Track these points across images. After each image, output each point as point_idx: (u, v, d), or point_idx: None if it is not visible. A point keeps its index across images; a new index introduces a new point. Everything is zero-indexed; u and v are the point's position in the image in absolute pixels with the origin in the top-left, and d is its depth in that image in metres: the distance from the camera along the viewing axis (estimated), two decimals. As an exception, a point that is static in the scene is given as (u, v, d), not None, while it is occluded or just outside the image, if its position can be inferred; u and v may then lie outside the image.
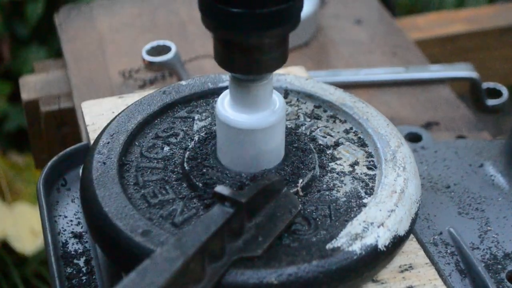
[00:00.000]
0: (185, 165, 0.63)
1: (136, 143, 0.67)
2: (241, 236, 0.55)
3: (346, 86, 0.96)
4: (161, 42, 0.93)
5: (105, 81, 1.01)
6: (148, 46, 0.93)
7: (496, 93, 0.99)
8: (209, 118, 0.70)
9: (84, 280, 0.64)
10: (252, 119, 0.60)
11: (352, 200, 0.62)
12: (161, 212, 0.60)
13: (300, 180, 0.62)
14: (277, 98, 0.62)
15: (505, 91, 0.98)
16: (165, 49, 0.93)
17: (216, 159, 0.63)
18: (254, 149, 0.61)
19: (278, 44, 0.57)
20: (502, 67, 1.21)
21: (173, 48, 0.93)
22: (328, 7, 1.18)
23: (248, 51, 0.56)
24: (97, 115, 0.74)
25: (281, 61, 0.58)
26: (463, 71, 0.99)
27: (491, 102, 0.98)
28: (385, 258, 0.58)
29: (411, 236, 0.63)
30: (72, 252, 0.66)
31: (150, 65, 0.93)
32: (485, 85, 0.99)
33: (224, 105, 0.61)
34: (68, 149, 0.74)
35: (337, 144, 0.67)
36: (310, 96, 0.73)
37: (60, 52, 1.11)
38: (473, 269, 0.64)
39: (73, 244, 0.67)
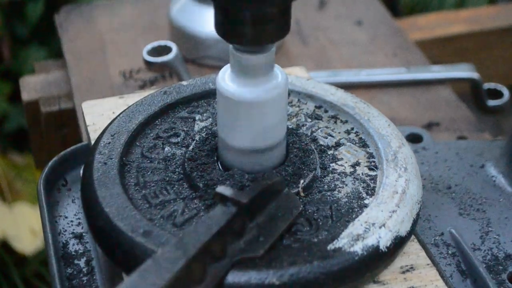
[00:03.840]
0: (186, 165, 0.63)
1: (137, 144, 0.67)
2: (242, 236, 0.55)
3: (347, 87, 0.96)
4: (162, 42, 0.93)
5: (105, 82, 1.01)
6: (149, 47, 0.93)
7: (497, 94, 0.99)
8: (210, 119, 0.70)
9: (85, 281, 0.64)
10: (253, 92, 0.58)
11: (354, 201, 0.62)
12: (162, 213, 0.60)
13: (301, 181, 0.62)
14: (279, 71, 0.60)
15: (506, 92, 0.98)
16: (166, 50, 0.93)
17: (217, 160, 0.63)
18: (256, 123, 0.59)
19: (280, 13, 0.55)
20: (503, 67, 1.21)
21: (174, 49, 0.92)
22: (329, 7, 1.18)
23: (249, 20, 0.54)
24: (98, 115, 0.74)
25: (283, 31, 0.56)
26: (464, 71, 0.99)
27: (492, 102, 0.98)
28: (386, 259, 0.58)
29: (412, 237, 0.63)
30: (73, 253, 0.66)
31: (151, 66, 0.93)
32: (486, 85, 0.99)
33: (225, 78, 0.60)
34: (68, 149, 0.74)
35: (338, 145, 0.67)
36: (311, 97, 0.73)
37: (60, 52, 1.11)
38: (474, 270, 0.64)
39: (73, 244, 0.67)
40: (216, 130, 0.66)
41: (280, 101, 0.60)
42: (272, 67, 0.60)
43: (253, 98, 0.58)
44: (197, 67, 1.03)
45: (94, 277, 0.64)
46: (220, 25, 0.56)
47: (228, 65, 0.60)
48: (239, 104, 0.59)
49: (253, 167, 0.62)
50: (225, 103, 0.60)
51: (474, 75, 0.98)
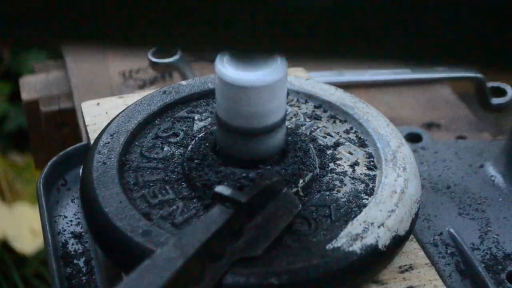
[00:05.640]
0: (185, 165, 0.63)
1: (136, 143, 0.67)
2: (241, 236, 0.55)
3: (350, 86, 0.96)
4: None
5: (105, 81, 1.01)
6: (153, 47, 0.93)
7: (501, 92, 0.99)
8: (209, 118, 0.70)
9: (84, 280, 0.64)
10: (253, 77, 0.57)
11: (352, 201, 0.62)
12: (161, 212, 0.60)
13: (301, 181, 0.62)
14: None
15: (510, 90, 0.98)
16: (169, 50, 0.92)
17: (216, 159, 0.63)
18: (254, 107, 0.59)
19: None
20: (503, 67, 1.20)
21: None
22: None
23: None
24: (97, 115, 0.74)
25: None
26: (468, 70, 0.99)
27: (495, 100, 0.98)
28: (385, 259, 0.58)
29: (411, 236, 0.63)
30: (72, 252, 0.66)
31: (155, 66, 0.92)
32: (490, 84, 0.99)
33: (224, 61, 0.59)
34: (68, 149, 0.74)
35: (337, 145, 0.67)
36: (310, 96, 0.73)
37: (60, 52, 1.11)
38: (473, 270, 0.64)
39: (73, 244, 0.67)
40: (215, 129, 0.66)
41: (279, 84, 0.59)
42: None
43: (251, 82, 0.57)
44: (196, 67, 1.03)
45: (94, 277, 0.64)
46: None
47: None
48: (237, 88, 0.58)
49: (250, 151, 0.61)
50: (223, 87, 0.58)
51: (478, 73, 0.98)
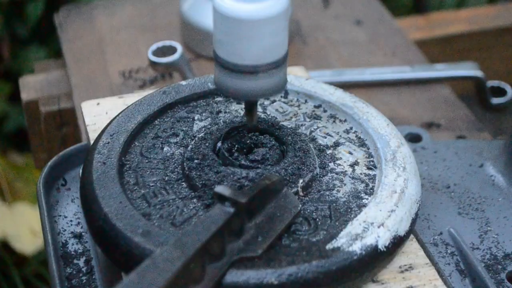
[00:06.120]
0: (185, 165, 0.63)
1: (136, 143, 0.67)
2: (241, 236, 0.55)
3: (351, 86, 0.96)
4: (166, 42, 0.92)
5: (105, 81, 1.01)
6: (154, 47, 0.92)
7: (501, 92, 0.99)
8: (209, 118, 0.70)
9: (84, 280, 0.64)
10: (255, 9, 0.55)
11: (352, 200, 0.62)
12: (161, 212, 0.60)
13: (300, 180, 0.62)
14: None
15: (509, 90, 0.98)
16: (170, 50, 0.92)
17: (215, 159, 0.63)
18: (256, 43, 0.55)
19: None
20: (502, 67, 1.21)
21: (179, 49, 0.92)
22: (328, 7, 1.18)
23: None
24: (97, 115, 0.74)
25: None
26: (468, 69, 0.99)
27: (495, 100, 0.98)
28: (385, 258, 0.58)
29: (411, 236, 0.63)
30: (72, 252, 0.66)
31: (156, 66, 0.92)
32: (490, 83, 0.99)
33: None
34: (68, 149, 0.74)
35: (337, 144, 0.67)
36: (310, 96, 0.73)
37: (60, 52, 1.11)
38: (473, 269, 0.64)
39: (73, 244, 0.67)
40: (216, 129, 0.66)
41: (281, 18, 0.55)
42: None
43: (250, 15, 0.55)
44: (196, 67, 1.03)
45: (93, 277, 0.64)
46: None
47: None
48: (235, 21, 0.55)
49: (250, 93, 0.59)
50: (221, 20, 0.56)
51: (479, 73, 0.98)
